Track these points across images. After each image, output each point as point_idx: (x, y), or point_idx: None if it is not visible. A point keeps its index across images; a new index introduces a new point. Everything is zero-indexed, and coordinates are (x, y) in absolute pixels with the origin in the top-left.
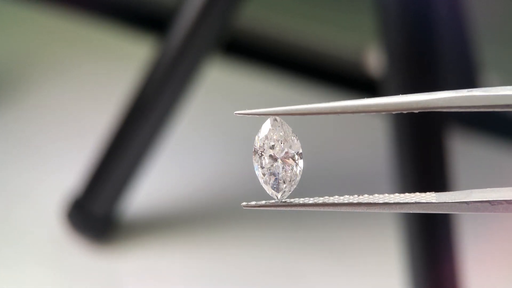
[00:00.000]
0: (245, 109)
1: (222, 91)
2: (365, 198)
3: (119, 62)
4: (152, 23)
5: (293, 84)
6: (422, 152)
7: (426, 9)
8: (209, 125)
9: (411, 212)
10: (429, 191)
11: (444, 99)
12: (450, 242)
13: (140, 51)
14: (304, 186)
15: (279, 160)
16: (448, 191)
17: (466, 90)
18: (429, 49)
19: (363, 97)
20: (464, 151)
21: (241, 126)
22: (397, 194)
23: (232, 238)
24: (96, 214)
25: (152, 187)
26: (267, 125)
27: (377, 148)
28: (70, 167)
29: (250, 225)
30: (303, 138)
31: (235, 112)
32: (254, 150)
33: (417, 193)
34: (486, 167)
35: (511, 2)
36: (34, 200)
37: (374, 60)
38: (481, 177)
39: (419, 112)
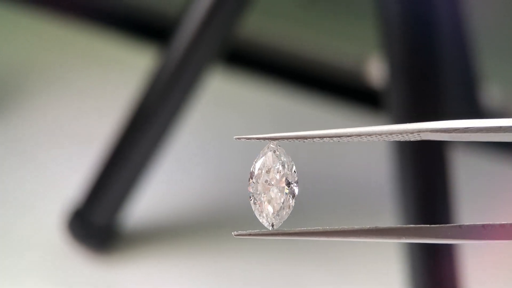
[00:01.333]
0: (248, 119)
1: (224, 101)
2: (356, 228)
3: (122, 71)
4: (155, 32)
5: (295, 94)
6: (423, 162)
7: (428, 20)
8: (211, 135)
9: (403, 240)
10: (431, 206)
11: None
12: (450, 245)
13: (143, 61)
14: (304, 208)
15: (275, 188)
16: (450, 205)
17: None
18: (431, 60)
19: (365, 108)
20: (466, 164)
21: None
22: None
23: (232, 248)
24: (97, 224)
25: (153, 197)
26: (264, 152)
27: (379, 164)
28: (71, 177)
29: None
30: (304, 159)
31: (234, 137)
32: (250, 176)
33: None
34: (487, 177)
35: None
36: (35, 210)
37: (376, 70)
38: (482, 189)
39: (419, 121)
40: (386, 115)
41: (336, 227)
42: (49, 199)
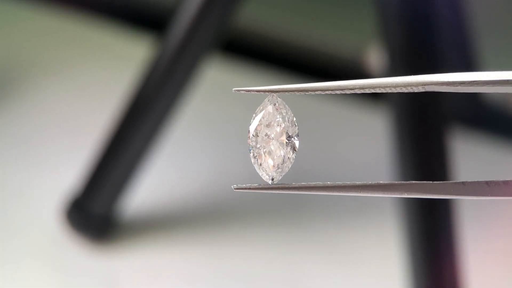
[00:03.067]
0: (244, 110)
1: (220, 90)
2: (357, 183)
3: (118, 62)
4: (151, 22)
5: (293, 83)
6: (422, 150)
7: (426, 8)
8: (208, 125)
9: (406, 195)
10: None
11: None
12: (451, 238)
13: (139, 51)
14: (303, 178)
15: (275, 141)
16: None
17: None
18: (430, 47)
19: (364, 97)
20: (464, 149)
21: (241, 125)
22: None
23: (230, 238)
24: (95, 213)
25: (151, 186)
26: (264, 105)
27: (377, 143)
28: (69, 167)
29: (248, 224)
30: (302, 130)
31: (233, 89)
32: (250, 130)
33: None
34: (486, 165)
35: None
36: (33, 200)
37: (374, 59)
38: (481, 175)
39: (419, 108)
40: (385, 103)
41: (337, 182)
42: (48, 189)
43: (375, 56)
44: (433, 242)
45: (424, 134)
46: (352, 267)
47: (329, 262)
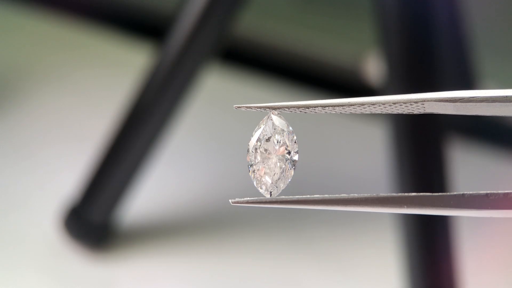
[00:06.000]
0: (243, 116)
1: (220, 98)
2: (356, 195)
3: (118, 69)
4: (151, 30)
5: (292, 92)
6: (421, 160)
7: (425, 17)
8: (207, 132)
9: (405, 209)
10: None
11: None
12: (448, 245)
13: (139, 59)
14: (301, 191)
15: (274, 156)
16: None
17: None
18: (429, 58)
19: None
20: (462, 159)
21: (239, 134)
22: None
23: (229, 246)
24: (93, 221)
25: (150, 194)
26: (264, 121)
27: (376, 156)
28: (67, 175)
29: (247, 232)
30: (301, 143)
31: (234, 106)
32: (250, 146)
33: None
34: (485, 175)
35: (510, 11)
36: (32, 208)
37: (373, 68)
38: (479, 185)
39: (418, 119)
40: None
41: (335, 195)
42: (46, 196)
43: (373, 65)
44: (430, 249)
45: (423, 144)
46: (350, 275)
47: (325, 267)
